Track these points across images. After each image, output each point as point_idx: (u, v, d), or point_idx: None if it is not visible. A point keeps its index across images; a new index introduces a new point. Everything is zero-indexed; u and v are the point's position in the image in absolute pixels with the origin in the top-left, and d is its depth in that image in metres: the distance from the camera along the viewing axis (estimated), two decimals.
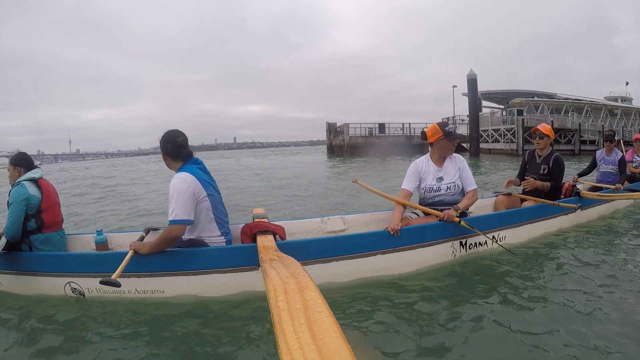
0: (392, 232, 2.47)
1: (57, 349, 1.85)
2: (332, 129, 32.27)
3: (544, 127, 3.53)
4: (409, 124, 30.98)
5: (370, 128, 30.42)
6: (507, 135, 24.02)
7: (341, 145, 29.53)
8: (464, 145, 29.09)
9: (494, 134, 25.46)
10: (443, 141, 2.84)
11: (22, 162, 2.56)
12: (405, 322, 1.97)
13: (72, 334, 1.96)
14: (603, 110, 29.64)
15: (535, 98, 28.94)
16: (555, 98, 29.87)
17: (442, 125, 2.86)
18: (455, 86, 37.07)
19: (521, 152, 21.42)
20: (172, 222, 2.10)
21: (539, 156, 3.55)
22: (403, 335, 1.85)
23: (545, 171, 3.47)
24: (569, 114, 26.32)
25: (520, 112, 24.94)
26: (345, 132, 29.79)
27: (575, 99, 29.90)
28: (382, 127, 30.32)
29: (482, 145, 23.92)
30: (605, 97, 35.19)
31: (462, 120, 32.59)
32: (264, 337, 1.85)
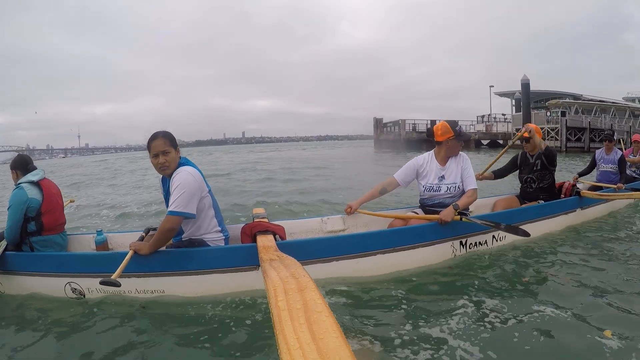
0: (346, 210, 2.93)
1: (57, 349, 1.85)
2: (379, 124, 33.34)
3: (530, 132, 3.46)
4: (457, 121, 32.31)
5: (414, 124, 31.29)
6: (550, 133, 25.51)
7: (396, 140, 30.09)
8: (500, 142, 29.99)
9: None
10: (452, 141, 2.80)
11: (17, 164, 2.51)
12: (406, 322, 1.96)
13: (72, 334, 1.96)
14: (627, 112, 31.58)
15: (567, 99, 31.15)
16: (581, 99, 32.10)
17: (453, 124, 2.82)
18: (492, 86, 41.61)
19: (564, 149, 23.99)
20: (171, 212, 2.10)
21: (531, 156, 3.57)
22: (403, 335, 1.84)
23: (539, 166, 3.49)
24: (597, 115, 28.20)
25: (563, 113, 26.84)
26: (402, 127, 30.71)
27: (600, 100, 32.07)
28: (433, 123, 31.06)
29: None
30: (623, 98, 37.59)
31: (495, 117, 34.57)
32: (263, 337, 1.84)
